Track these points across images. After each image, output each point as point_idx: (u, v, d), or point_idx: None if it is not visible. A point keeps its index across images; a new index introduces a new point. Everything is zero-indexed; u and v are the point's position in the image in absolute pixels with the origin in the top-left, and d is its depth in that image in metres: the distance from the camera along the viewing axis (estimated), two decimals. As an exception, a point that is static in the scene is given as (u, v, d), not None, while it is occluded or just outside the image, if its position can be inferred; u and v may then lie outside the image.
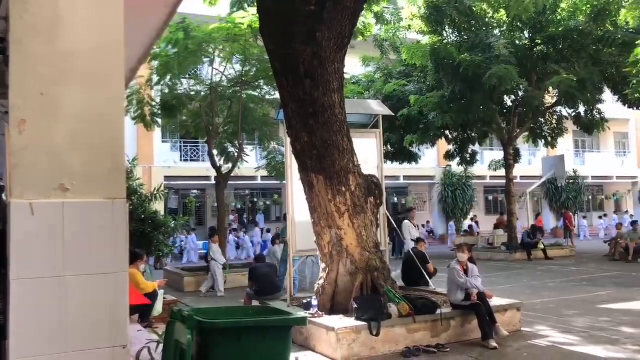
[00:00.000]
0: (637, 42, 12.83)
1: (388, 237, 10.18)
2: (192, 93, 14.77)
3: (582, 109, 19.56)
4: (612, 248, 17.25)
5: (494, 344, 6.58)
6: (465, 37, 18.03)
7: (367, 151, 9.29)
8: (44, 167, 2.84)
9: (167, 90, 13.99)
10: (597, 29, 16.43)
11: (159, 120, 15.15)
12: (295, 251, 8.76)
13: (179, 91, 14.34)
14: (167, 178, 22.90)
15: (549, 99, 19.67)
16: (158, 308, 7.91)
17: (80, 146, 2.93)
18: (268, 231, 23.26)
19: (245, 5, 13.48)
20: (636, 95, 14.09)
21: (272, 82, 11.77)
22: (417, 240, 10.55)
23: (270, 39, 7.42)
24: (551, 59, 17.55)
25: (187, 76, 15.13)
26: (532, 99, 18.18)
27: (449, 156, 22.34)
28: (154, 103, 14.47)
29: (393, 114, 12.00)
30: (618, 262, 16.17)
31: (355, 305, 6.76)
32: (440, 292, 8.23)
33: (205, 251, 21.67)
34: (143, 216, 10.70)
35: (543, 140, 21.05)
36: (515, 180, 20.66)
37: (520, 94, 18.80)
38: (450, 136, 21.29)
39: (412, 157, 22.35)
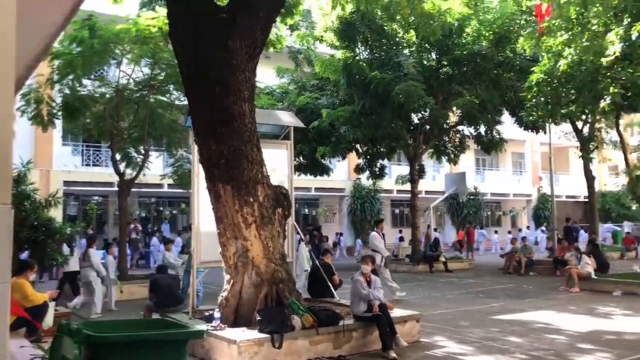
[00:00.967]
0: (532, 69, 13.75)
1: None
2: (97, 95, 14.13)
3: (482, 129, 20.69)
4: (507, 262, 18.28)
5: (393, 354, 6.73)
6: (376, 54, 18.59)
7: (278, 162, 9.29)
8: None
9: (68, 91, 13.28)
10: (498, 55, 17.49)
11: (57, 122, 14.32)
12: (199, 262, 8.55)
13: (82, 92, 13.67)
14: (66, 183, 21.77)
15: (453, 118, 20.64)
16: (48, 321, 7.40)
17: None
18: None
19: (157, 7, 13.10)
20: (530, 118, 15.08)
21: (182, 87, 11.48)
22: (324, 252, 10.63)
23: (179, 44, 7.25)
24: (456, 80, 18.45)
25: (92, 77, 14.47)
26: (437, 117, 19.03)
27: (359, 169, 22.82)
28: (54, 103, 13.67)
29: (304, 126, 12.11)
30: (512, 275, 17.17)
31: (258, 318, 6.69)
32: (344, 304, 8.33)
33: (104, 261, 20.74)
34: (36, 223, 10.04)
35: (446, 157, 22.06)
36: (420, 195, 21.46)
37: (427, 112, 19.57)
38: (360, 150, 21.76)
39: (324, 170, 22.61)
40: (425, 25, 15.82)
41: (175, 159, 16.71)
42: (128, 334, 3.88)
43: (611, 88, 11.19)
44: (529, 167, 38.87)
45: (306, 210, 31.94)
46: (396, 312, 7.62)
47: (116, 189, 16.11)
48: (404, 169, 26.49)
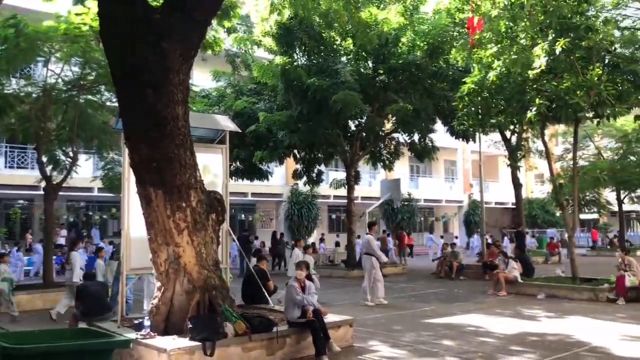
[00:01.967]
0: (463, 80, 14.18)
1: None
2: (22, 94, 13.46)
3: (416, 137, 21.19)
4: (439, 266, 18.74)
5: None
6: (314, 60, 18.68)
7: (213, 166, 9.15)
8: None
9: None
10: (432, 65, 17.96)
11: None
12: (129, 269, 8.28)
13: (6, 91, 13.00)
14: (-12, 186, 20.62)
15: (389, 125, 21.02)
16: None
17: None
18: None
19: (87, 2, 12.61)
20: (461, 127, 15.54)
21: (114, 88, 11.12)
22: (259, 258, 10.54)
23: (110, 44, 7.02)
24: (391, 88, 18.81)
25: (17, 75, 13.78)
26: (373, 124, 19.32)
27: (296, 175, 22.81)
28: (-25, 102, 12.93)
29: (240, 131, 11.97)
30: (443, 279, 17.62)
31: (189, 325, 6.54)
32: (277, 310, 8.29)
33: (30, 267, 19.76)
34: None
35: (382, 164, 22.43)
36: (356, 201, 21.69)
37: (363, 119, 19.84)
38: (298, 155, 21.78)
39: (262, 175, 22.42)
40: (362, 34, 16.16)
41: (105, 162, 16.15)
42: (46, 345, 3.69)
43: (537, 99, 11.65)
44: (461, 174, 40.17)
45: (242, 215, 31.67)
46: (330, 318, 7.65)
47: (42, 192, 15.38)
48: (341, 175, 26.73)
